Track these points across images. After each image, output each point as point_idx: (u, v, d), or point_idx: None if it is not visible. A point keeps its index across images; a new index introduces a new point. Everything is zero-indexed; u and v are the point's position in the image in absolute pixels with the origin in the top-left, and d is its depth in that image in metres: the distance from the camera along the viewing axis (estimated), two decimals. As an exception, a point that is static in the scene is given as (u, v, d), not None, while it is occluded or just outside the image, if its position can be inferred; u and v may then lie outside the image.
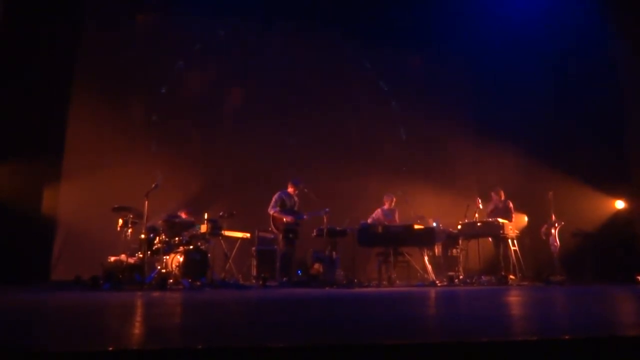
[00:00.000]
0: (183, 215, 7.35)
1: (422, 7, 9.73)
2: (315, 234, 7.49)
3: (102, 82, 8.61)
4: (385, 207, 8.34)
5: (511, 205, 8.18)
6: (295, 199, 7.70)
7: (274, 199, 7.54)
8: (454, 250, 8.21)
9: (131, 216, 6.55)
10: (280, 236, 7.49)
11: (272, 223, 7.52)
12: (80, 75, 8.32)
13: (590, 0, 8.65)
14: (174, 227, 6.74)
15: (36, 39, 7.58)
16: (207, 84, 9.74)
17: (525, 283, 7.62)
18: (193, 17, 9.49)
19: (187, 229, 6.93)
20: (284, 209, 7.52)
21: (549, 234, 8.08)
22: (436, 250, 7.93)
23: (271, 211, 7.50)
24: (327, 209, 7.29)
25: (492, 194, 8.36)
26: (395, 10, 9.86)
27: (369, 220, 8.06)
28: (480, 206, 8.06)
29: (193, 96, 9.66)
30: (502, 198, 8.29)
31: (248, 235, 7.72)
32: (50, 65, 7.69)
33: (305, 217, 7.54)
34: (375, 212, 8.34)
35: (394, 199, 8.36)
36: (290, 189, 7.71)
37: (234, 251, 7.52)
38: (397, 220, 8.20)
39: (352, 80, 10.45)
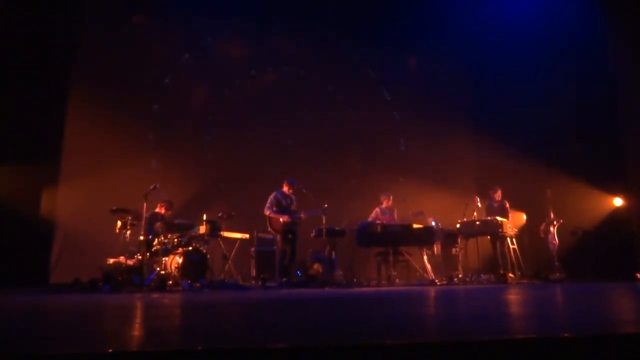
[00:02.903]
0: (162, 211, 7.23)
1: (420, 8, 9.73)
2: (314, 234, 7.48)
3: (100, 84, 8.59)
4: (383, 205, 8.34)
5: (507, 205, 8.19)
6: (292, 198, 7.67)
7: (269, 200, 7.52)
8: (453, 249, 8.21)
9: (130, 218, 6.54)
10: (279, 237, 7.47)
11: (269, 224, 7.49)
12: (78, 78, 8.32)
13: (588, 0, 8.67)
14: (172, 228, 6.72)
15: (34, 41, 7.56)
16: (206, 85, 9.74)
17: (524, 281, 7.63)
18: (192, 17, 9.48)
19: (186, 230, 6.92)
20: (280, 209, 7.50)
21: (547, 232, 8.09)
22: (435, 249, 7.94)
23: (267, 212, 7.47)
24: (325, 206, 7.25)
25: (490, 192, 8.37)
26: (394, 11, 9.86)
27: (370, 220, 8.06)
28: (479, 205, 8.08)
29: (191, 97, 9.66)
30: (499, 198, 8.31)
31: (247, 236, 7.71)
32: (48, 67, 7.68)
33: (302, 216, 7.48)
34: (374, 211, 8.34)
35: (391, 197, 8.35)
36: (285, 189, 7.68)
37: (233, 252, 7.51)
38: (396, 219, 8.20)
39: (349, 80, 10.45)
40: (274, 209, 7.47)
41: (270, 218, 7.46)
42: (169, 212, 7.31)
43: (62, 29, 7.97)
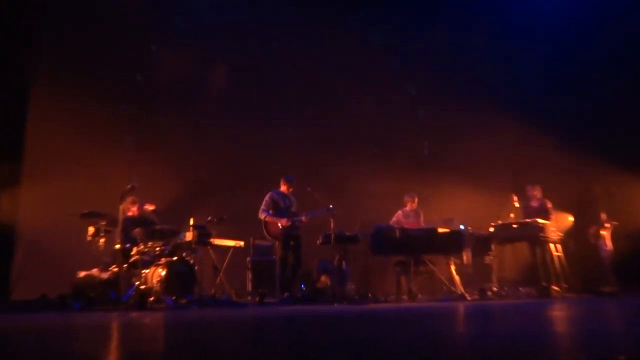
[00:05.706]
0: (134, 211, 7.19)
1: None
2: (321, 241, 7.48)
3: (66, 74, 8.59)
4: (407, 208, 8.34)
5: (549, 205, 8.15)
6: (291, 198, 7.68)
7: (264, 202, 7.52)
8: (486, 258, 8.19)
9: (103, 223, 6.57)
10: (278, 244, 7.48)
11: (265, 230, 7.50)
12: (40, 68, 8.35)
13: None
14: (153, 235, 6.73)
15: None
16: (193, 69, 9.66)
17: (571, 295, 7.61)
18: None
19: (170, 237, 6.93)
20: (278, 211, 7.50)
21: (598, 236, 8.07)
22: (464, 258, 7.92)
23: (262, 216, 7.48)
24: (330, 206, 7.24)
25: (528, 187, 8.34)
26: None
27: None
28: (517, 204, 8.06)
29: (174, 83, 9.61)
30: (539, 196, 8.27)
31: (242, 243, 7.73)
32: (6, 61, 7.77)
33: (303, 218, 7.48)
34: (396, 214, 8.34)
35: (417, 199, 8.33)
36: (282, 188, 7.69)
37: (226, 262, 7.52)
38: (422, 224, 8.18)
39: (362, 62, 10.33)
40: (270, 212, 7.47)
41: (266, 222, 7.47)
42: (140, 204, 7.27)
43: (22, 22, 8.07)
